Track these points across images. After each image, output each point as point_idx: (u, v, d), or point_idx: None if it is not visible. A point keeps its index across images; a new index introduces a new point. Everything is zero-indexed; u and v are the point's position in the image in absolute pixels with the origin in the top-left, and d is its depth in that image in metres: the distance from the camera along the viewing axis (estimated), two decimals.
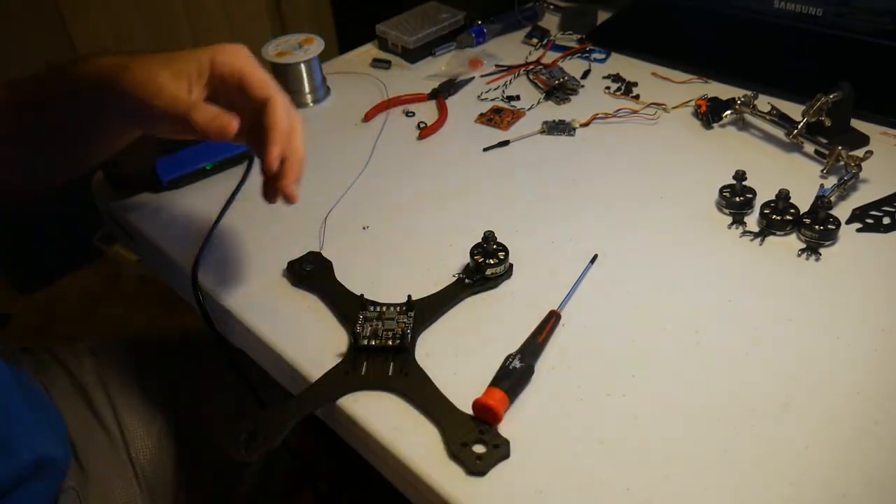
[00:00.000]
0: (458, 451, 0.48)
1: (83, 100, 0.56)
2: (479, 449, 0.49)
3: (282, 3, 1.64)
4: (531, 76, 0.89)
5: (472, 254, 0.62)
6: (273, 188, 0.56)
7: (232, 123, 0.52)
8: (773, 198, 0.66)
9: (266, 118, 0.54)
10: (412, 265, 0.64)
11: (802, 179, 0.71)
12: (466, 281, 0.61)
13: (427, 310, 0.59)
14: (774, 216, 0.65)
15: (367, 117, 0.83)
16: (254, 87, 0.54)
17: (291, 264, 0.64)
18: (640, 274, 0.63)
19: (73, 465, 0.66)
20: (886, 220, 0.66)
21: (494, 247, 0.62)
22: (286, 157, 0.54)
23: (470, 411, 0.51)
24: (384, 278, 0.63)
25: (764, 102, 0.79)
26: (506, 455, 0.49)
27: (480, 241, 0.62)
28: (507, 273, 0.62)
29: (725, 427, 0.50)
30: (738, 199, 0.67)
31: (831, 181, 0.70)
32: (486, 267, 0.61)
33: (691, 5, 0.95)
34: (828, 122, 0.73)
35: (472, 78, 0.90)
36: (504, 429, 0.50)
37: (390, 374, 0.54)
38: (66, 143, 0.61)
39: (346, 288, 0.62)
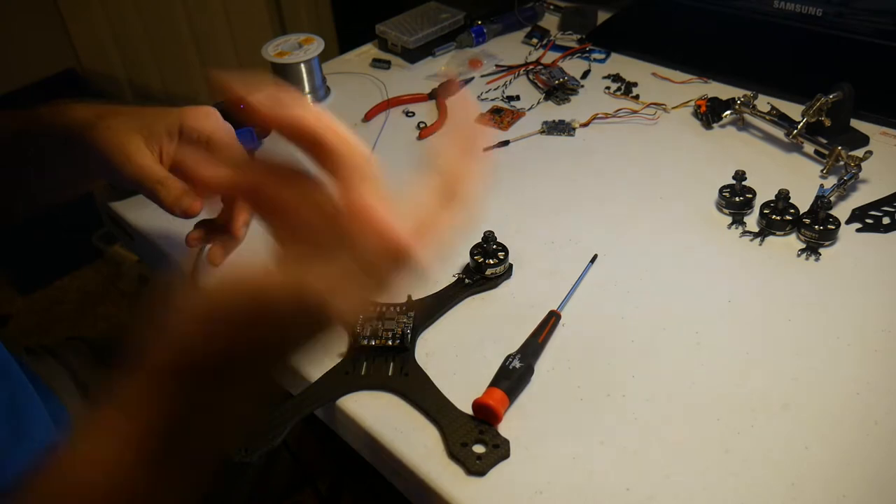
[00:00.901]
0: (457, 451, 0.48)
1: (56, 147, 0.55)
2: (479, 449, 0.49)
3: (282, 3, 1.64)
4: (531, 76, 0.89)
5: (472, 254, 0.62)
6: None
7: (194, 206, 0.52)
8: (773, 198, 0.66)
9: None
10: None
11: (802, 179, 0.71)
12: (466, 281, 0.61)
13: (427, 310, 0.59)
14: (774, 216, 0.65)
15: (367, 117, 0.83)
16: (221, 153, 0.54)
17: None
18: (640, 274, 0.63)
19: None
20: (886, 220, 0.66)
21: (494, 247, 0.62)
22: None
23: (470, 411, 0.51)
24: None
25: (764, 102, 0.79)
26: (506, 455, 0.49)
27: (480, 241, 0.62)
28: (507, 273, 0.62)
29: (725, 427, 0.50)
30: (738, 199, 0.67)
31: (831, 181, 0.70)
32: (486, 267, 0.61)
33: (691, 5, 0.94)
34: (828, 122, 0.73)
35: (472, 78, 0.90)
36: (504, 429, 0.50)
37: (390, 374, 0.54)
38: (37, 181, 0.60)
39: None
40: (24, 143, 0.57)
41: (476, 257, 0.61)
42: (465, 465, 0.48)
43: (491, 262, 0.61)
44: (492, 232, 0.62)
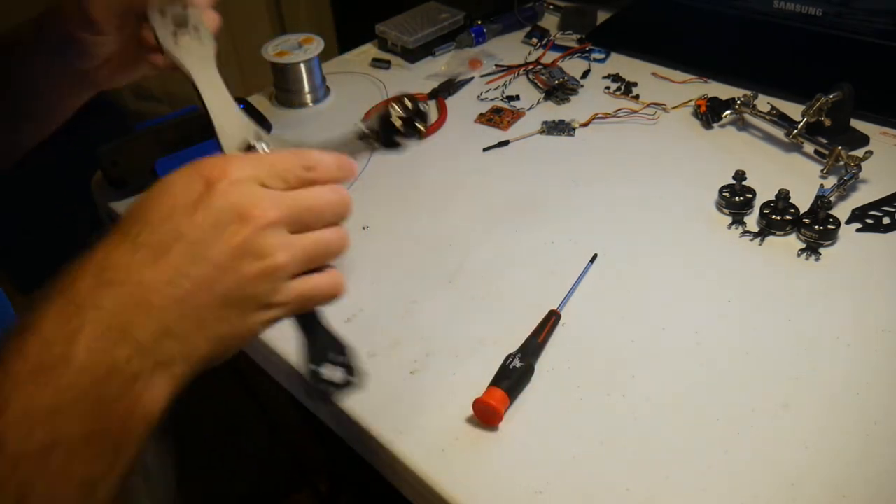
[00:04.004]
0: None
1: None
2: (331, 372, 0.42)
3: (282, 3, 1.64)
4: (531, 76, 0.89)
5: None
6: None
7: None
8: (772, 198, 0.66)
9: None
10: (412, 265, 0.64)
11: (802, 179, 0.71)
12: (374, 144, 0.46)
13: None
14: (774, 216, 0.65)
15: (367, 117, 0.83)
16: None
17: None
18: (640, 274, 0.63)
19: None
20: (886, 220, 0.66)
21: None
22: None
23: (470, 411, 0.51)
24: (384, 278, 0.63)
25: (764, 102, 0.79)
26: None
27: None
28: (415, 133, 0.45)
29: (725, 427, 0.50)
30: (737, 199, 0.67)
31: (831, 181, 0.70)
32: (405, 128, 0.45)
33: (691, 5, 0.94)
34: (828, 122, 0.73)
35: (472, 78, 0.90)
36: (504, 429, 0.50)
37: None
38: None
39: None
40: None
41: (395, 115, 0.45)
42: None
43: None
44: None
